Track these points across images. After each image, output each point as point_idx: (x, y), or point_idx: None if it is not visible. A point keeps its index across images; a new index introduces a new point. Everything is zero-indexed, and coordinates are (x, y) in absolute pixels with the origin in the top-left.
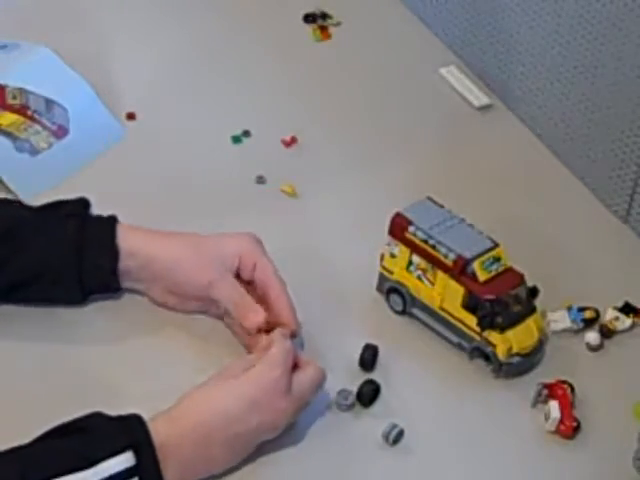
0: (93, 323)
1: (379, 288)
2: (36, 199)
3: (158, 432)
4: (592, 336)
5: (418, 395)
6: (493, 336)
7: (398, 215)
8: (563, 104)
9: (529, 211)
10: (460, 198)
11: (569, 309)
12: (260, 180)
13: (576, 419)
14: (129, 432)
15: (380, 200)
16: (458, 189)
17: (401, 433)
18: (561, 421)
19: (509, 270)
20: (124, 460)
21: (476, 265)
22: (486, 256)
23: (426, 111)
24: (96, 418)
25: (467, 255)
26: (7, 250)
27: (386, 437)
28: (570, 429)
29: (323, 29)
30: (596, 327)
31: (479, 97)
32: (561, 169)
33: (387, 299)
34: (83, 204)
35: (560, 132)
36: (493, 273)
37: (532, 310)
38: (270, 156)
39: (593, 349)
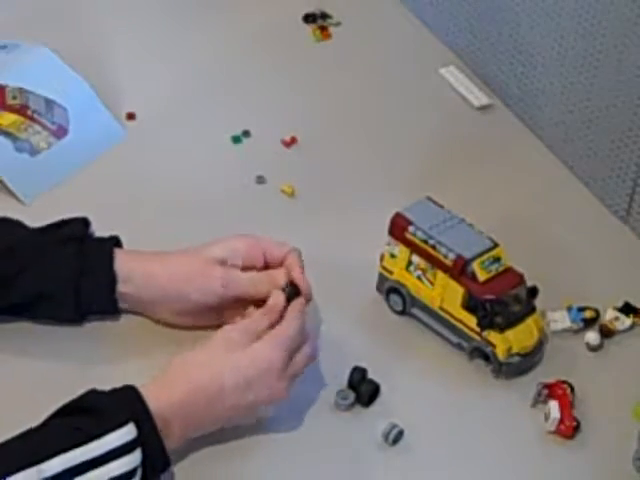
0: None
1: (379, 288)
2: (36, 199)
3: (155, 402)
4: (592, 336)
5: (418, 395)
6: (493, 336)
7: (398, 215)
8: (563, 104)
9: (529, 211)
10: (460, 198)
11: (569, 309)
12: (260, 180)
13: (576, 419)
14: (128, 406)
15: (380, 200)
16: (458, 189)
17: (401, 433)
18: (561, 421)
19: (509, 270)
20: (126, 433)
21: (476, 265)
22: (486, 256)
23: (426, 111)
24: (93, 395)
25: (467, 255)
26: (7, 270)
27: (386, 437)
28: (570, 429)
29: (323, 29)
30: (596, 327)
31: (479, 97)
32: (561, 169)
33: (387, 299)
34: (84, 224)
35: (560, 132)
36: (493, 273)
37: (532, 310)
38: (270, 156)
39: (593, 349)
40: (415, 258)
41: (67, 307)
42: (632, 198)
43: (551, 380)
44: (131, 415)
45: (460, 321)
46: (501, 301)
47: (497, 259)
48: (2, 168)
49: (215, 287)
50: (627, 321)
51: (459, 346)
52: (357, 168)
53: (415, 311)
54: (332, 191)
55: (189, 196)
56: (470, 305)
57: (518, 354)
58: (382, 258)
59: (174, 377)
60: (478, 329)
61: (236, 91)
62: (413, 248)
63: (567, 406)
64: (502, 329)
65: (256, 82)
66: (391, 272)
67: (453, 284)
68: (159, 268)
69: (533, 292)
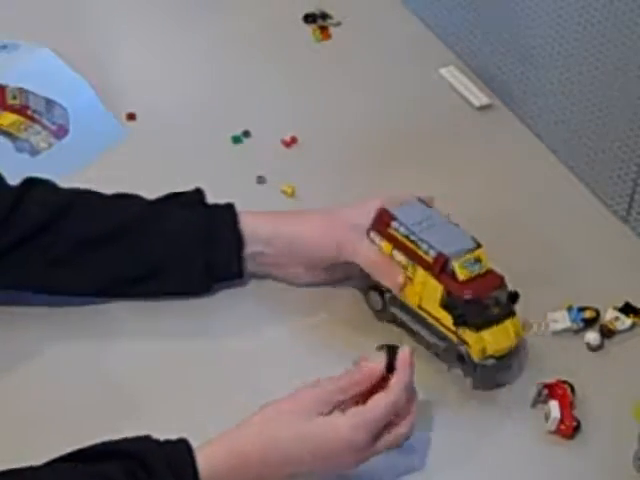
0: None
1: (359, 287)
2: None
3: (207, 462)
4: (592, 336)
5: (418, 395)
6: (468, 335)
7: (383, 210)
8: (563, 104)
9: (529, 211)
10: (460, 198)
11: (569, 309)
12: (260, 180)
13: (576, 419)
14: (179, 471)
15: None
16: (458, 189)
17: None
18: (561, 421)
19: (490, 272)
20: None
21: (456, 264)
22: (467, 256)
23: (426, 111)
24: (145, 445)
25: (448, 253)
26: (128, 243)
27: None
28: (570, 429)
29: (323, 29)
30: (596, 327)
31: (479, 97)
32: (561, 169)
33: (366, 298)
34: (200, 194)
35: (560, 132)
36: (473, 274)
37: (511, 314)
38: (270, 156)
39: (593, 349)
40: (396, 254)
41: (195, 274)
42: (632, 198)
43: (551, 380)
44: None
45: (437, 320)
46: (479, 301)
47: (478, 260)
48: (2, 168)
49: (331, 250)
50: (627, 321)
51: (435, 346)
52: (357, 168)
53: (394, 310)
54: (332, 191)
55: None
56: (448, 304)
57: (493, 357)
58: None
59: (236, 439)
60: (454, 328)
61: (236, 91)
62: (395, 244)
63: (567, 406)
64: (478, 328)
65: (256, 82)
66: None
67: (432, 282)
68: (286, 225)
69: (514, 297)
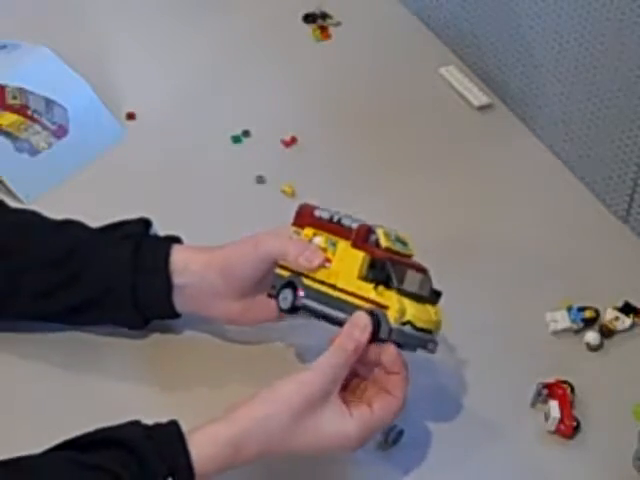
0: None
1: (270, 294)
2: (36, 199)
3: (197, 450)
4: (592, 336)
5: (417, 395)
6: (387, 296)
7: (303, 204)
8: (563, 104)
9: (528, 211)
10: (459, 198)
11: (569, 309)
12: (260, 180)
13: (576, 419)
14: (170, 454)
15: (379, 200)
16: (458, 189)
17: (401, 433)
18: (561, 421)
19: (413, 257)
20: None
21: (380, 232)
22: (392, 231)
23: (426, 111)
24: (135, 429)
25: (371, 224)
26: (69, 272)
27: (386, 437)
28: (570, 429)
29: (323, 29)
30: (596, 327)
31: (479, 97)
32: (561, 169)
33: (278, 301)
34: (144, 224)
35: (560, 132)
36: (396, 248)
37: (432, 301)
38: (270, 156)
39: (593, 349)
40: (316, 239)
41: (125, 308)
42: (632, 198)
43: (551, 380)
44: (171, 468)
45: (354, 295)
46: (401, 269)
47: (403, 242)
48: (2, 168)
49: (249, 249)
50: (627, 321)
51: None
52: (356, 168)
53: (307, 301)
54: (332, 191)
55: (189, 196)
56: (369, 269)
57: (411, 323)
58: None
59: (230, 430)
60: (373, 297)
61: (236, 91)
62: (319, 226)
63: (567, 406)
64: (399, 292)
65: (256, 82)
66: (286, 269)
67: (353, 253)
68: (215, 252)
69: (437, 293)
